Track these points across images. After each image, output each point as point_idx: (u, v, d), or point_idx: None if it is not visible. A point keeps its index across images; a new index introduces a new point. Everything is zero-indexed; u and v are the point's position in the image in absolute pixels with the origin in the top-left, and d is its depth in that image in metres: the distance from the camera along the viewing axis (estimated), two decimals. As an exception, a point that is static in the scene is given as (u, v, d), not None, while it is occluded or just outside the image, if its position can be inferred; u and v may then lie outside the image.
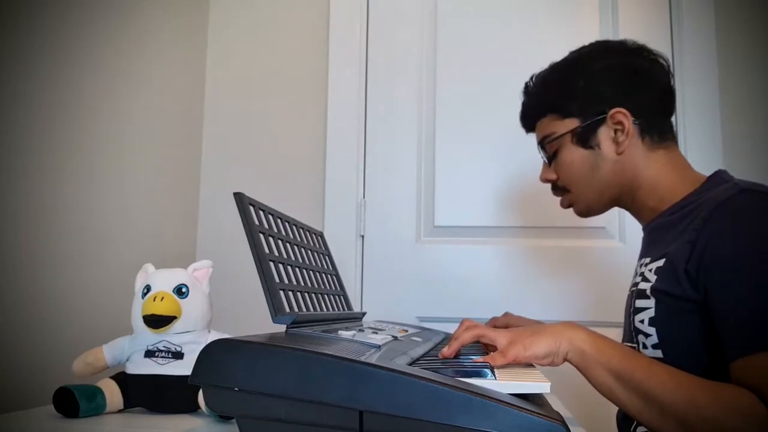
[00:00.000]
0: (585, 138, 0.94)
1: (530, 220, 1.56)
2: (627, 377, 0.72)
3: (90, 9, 1.23)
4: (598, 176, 0.94)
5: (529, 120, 1.03)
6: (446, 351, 0.75)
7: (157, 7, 1.47)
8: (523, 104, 1.04)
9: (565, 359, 0.74)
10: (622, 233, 1.53)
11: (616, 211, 1.52)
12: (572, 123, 0.94)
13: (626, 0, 1.59)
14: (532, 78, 1.03)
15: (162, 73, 1.49)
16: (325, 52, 1.67)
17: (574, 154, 0.95)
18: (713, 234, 0.77)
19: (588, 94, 0.94)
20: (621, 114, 0.91)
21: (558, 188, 1.02)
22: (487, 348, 0.85)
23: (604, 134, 0.93)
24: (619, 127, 0.92)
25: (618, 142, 0.92)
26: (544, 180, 1.02)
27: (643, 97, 0.93)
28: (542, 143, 0.99)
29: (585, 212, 1.01)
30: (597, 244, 1.53)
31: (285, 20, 1.72)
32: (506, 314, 1.18)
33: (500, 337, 0.75)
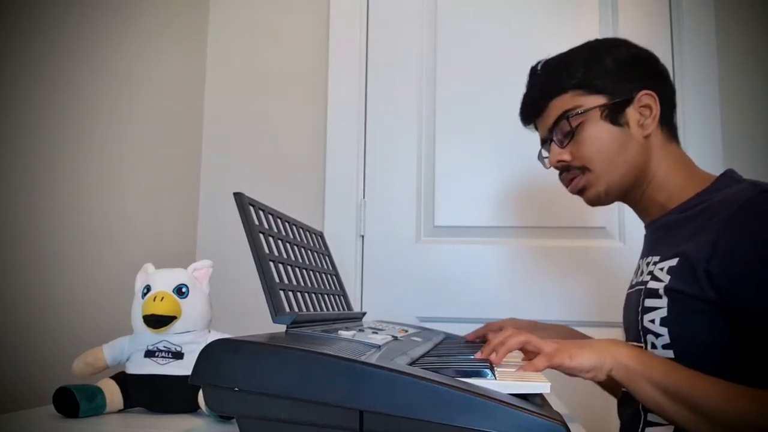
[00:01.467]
0: (615, 115, 0.92)
1: (530, 220, 1.56)
2: (673, 391, 0.72)
3: (90, 9, 1.23)
4: (624, 155, 0.92)
5: (542, 100, 0.98)
6: (494, 358, 0.73)
7: (157, 7, 1.47)
8: (533, 85, 1.00)
9: (609, 375, 0.75)
10: (622, 233, 1.53)
11: (616, 211, 1.53)
12: (599, 100, 0.92)
13: (626, 0, 1.59)
14: (539, 63, 1.00)
15: (162, 72, 1.49)
16: (325, 51, 1.67)
17: (602, 130, 0.92)
18: (738, 236, 0.77)
19: (618, 72, 0.93)
20: (650, 96, 0.91)
21: (569, 170, 0.96)
22: (529, 356, 0.85)
23: (632, 115, 0.92)
24: (645, 111, 0.91)
25: (644, 126, 0.91)
26: (557, 161, 0.96)
27: (664, 89, 0.94)
28: (563, 118, 0.94)
29: (603, 194, 0.95)
30: (597, 244, 1.53)
31: (285, 20, 1.72)
32: (510, 319, 1.16)
33: (546, 346, 0.75)
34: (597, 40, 0.99)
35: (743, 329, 0.76)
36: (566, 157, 0.95)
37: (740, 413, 0.70)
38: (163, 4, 1.49)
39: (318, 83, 1.67)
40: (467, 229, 1.59)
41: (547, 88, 0.97)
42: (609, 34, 1.57)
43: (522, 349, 0.81)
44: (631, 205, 0.99)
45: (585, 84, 0.93)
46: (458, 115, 1.62)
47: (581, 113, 0.92)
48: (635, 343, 0.89)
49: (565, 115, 0.94)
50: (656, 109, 0.91)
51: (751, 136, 1.49)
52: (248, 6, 1.75)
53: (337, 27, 1.67)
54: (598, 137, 0.92)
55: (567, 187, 0.99)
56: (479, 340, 1.06)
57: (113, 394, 0.82)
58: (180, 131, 1.60)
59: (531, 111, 1.01)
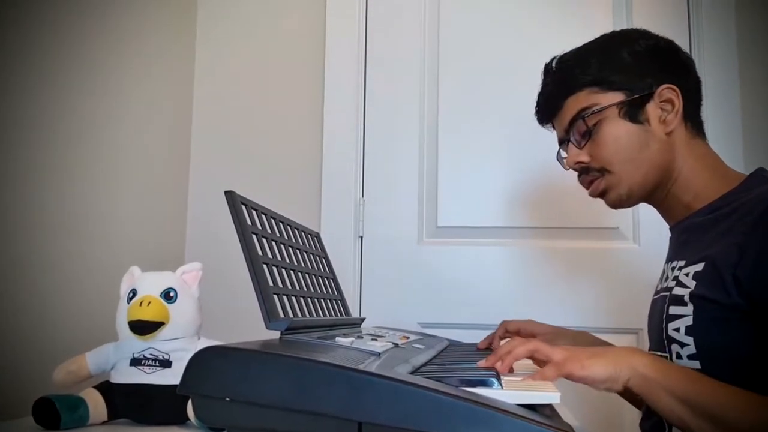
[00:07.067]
0: (634, 112, 0.91)
1: (538, 220, 1.56)
2: (694, 402, 0.72)
3: (80, 6, 1.23)
4: (646, 154, 0.91)
5: (557, 98, 0.98)
6: (500, 367, 0.73)
7: (146, 3, 1.47)
8: (547, 83, 1.00)
9: (626, 386, 0.73)
10: (636, 234, 1.53)
11: (630, 211, 1.53)
12: (617, 96, 0.92)
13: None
14: (554, 59, 1.00)
15: (149, 70, 1.49)
16: (322, 41, 1.67)
17: (621, 129, 0.91)
18: (766, 238, 0.76)
19: (636, 66, 0.92)
20: (671, 90, 0.90)
21: (589, 172, 0.96)
22: (539, 365, 0.84)
23: (652, 111, 0.91)
24: (667, 106, 0.91)
25: (666, 121, 0.91)
26: (576, 163, 0.96)
27: (687, 81, 0.93)
28: (579, 117, 0.93)
29: (624, 197, 0.95)
30: (610, 245, 1.53)
31: (280, 10, 1.72)
32: (528, 321, 1.15)
33: (556, 354, 0.74)
34: (613, 33, 0.98)
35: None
36: (584, 158, 0.95)
37: (763, 424, 0.69)
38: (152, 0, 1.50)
39: (314, 75, 1.67)
40: (472, 230, 1.59)
41: (562, 85, 0.97)
42: (623, 26, 1.57)
43: (531, 358, 0.81)
44: (655, 206, 0.99)
45: (601, 80, 0.93)
46: (462, 109, 1.62)
47: (597, 111, 0.92)
48: (658, 353, 0.89)
49: (581, 114, 0.93)
50: (678, 103, 0.90)
51: (774, 132, 1.49)
52: (240, -7, 1.75)
53: (335, 16, 1.67)
54: (617, 136, 0.91)
55: (587, 189, 0.99)
56: (489, 348, 1.06)
57: (97, 405, 0.82)
58: (167, 126, 1.60)
59: (546, 110, 1.01)
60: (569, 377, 0.72)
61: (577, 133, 0.95)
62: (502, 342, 1.03)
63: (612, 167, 0.93)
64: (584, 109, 0.93)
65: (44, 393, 0.79)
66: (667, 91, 0.91)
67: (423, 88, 1.65)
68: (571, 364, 0.72)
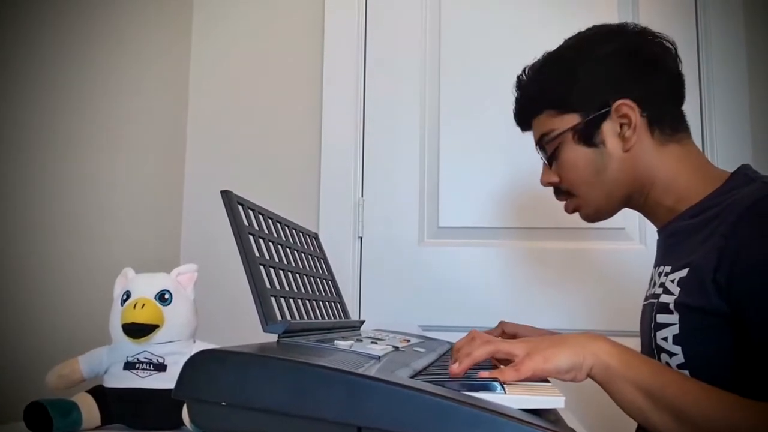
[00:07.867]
0: (588, 135, 0.91)
1: (543, 221, 1.56)
2: (658, 395, 0.70)
3: (78, 6, 1.23)
4: (604, 177, 0.92)
5: (525, 117, 1.01)
6: (456, 369, 0.71)
7: (143, 2, 1.47)
8: (517, 100, 1.02)
9: (588, 374, 0.72)
10: (642, 235, 1.53)
11: (636, 212, 1.53)
12: (573, 119, 0.92)
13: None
14: (525, 70, 1.00)
15: (144, 69, 1.49)
16: (321, 37, 1.67)
17: (577, 154, 0.92)
18: (744, 241, 0.75)
19: (589, 85, 0.91)
20: (626, 106, 0.89)
21: (561, 191, 0.99)
22: (500, 363, 0.84)
23: (609, 129, 0.90)
24: (624, 120, 0.90)
25: (625, 138, 0.90)
26: (546, 183, 1.00)
27: (651, 85, 0.91)
28: (540, 143, 0.97)
29: (593, 216, 0.99)
30: (616, 246, 1.53)
31: (278, 9, 1.72)
32: (526, 326, 1.16)
33: (517, 349, 0.72)
34: (570, 42, 0.97)
35: (747, 339, 0.75)
36: (554, 179, 0.98)
37: (729, 424, 0.68)
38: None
39: (312, 74, 1.67)
40: (474, 231, 1.59)
41: (525, 106, 1.00)
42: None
43: (495, 359, 0.79)
44: (637, 211, 0.99)
45: (557, 103, 0.94)
46: (465, 106, 1.62)
47: (554, 138, 0.94)
48: None
49: (542, 140, 0.96)
50: (635, 118, 0.89)
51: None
52: (237, -11, 1.75)
53: (334, 15, 1.67)
54: (574, 162, 0.94)
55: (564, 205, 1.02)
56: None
57: (90, 410, 0.82)
58: (163, 126, 1.60)
59: (521, 123, 1.03)
60: (533, 375, 0.68)
61: (544, 155, 0.98)
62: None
63: (576, 190, 0.96)
64: (543, 135, 0.96)
65: (36, 397, 0.79)
66: (622, 107, 0.89)
67: (423, 87, 1.64)
68: (532, 361, 0.69)
